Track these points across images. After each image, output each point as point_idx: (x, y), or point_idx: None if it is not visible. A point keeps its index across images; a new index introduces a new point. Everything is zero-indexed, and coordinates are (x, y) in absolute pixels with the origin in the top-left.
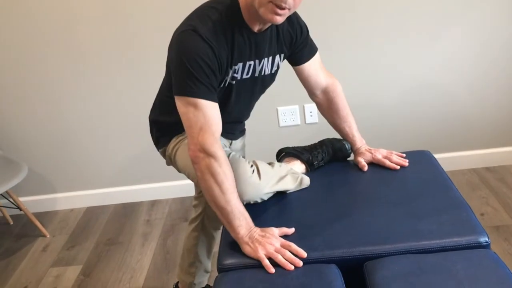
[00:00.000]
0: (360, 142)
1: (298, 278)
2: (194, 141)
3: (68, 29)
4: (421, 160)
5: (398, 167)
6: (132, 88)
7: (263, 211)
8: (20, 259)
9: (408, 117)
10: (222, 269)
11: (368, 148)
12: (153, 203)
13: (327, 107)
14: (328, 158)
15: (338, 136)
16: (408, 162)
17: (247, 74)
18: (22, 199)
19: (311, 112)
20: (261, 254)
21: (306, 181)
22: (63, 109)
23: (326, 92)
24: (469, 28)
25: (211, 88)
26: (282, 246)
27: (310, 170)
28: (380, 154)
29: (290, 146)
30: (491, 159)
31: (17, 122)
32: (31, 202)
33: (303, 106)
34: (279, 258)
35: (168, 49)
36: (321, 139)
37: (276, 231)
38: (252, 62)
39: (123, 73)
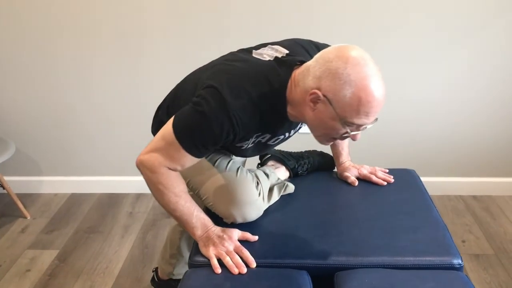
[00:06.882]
0: (346, 157)
1: (267, 281)
2: (154, 157)
3: (80, 12)
4: (405, 178)
5: (385, 183)
6: (133, 82)
7: None
8: None
9: (403, 137)
10: (192, 264)
11: (352, 164)
12: (138, 196)
13: None
14: (312, 169)
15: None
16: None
17: (274, 141)
18: (7, 178)
19: None
20: (211, 253)
21: (291, 188)
22: (58, 93)
23: None
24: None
25: (203, 150)
26: (235, 249)
27: (293, 178)
28: (366, 170)
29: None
30: (479, 188)
31: (9, 99)
32: (16, 182)
33: None
34: (226, 260)
35: (194, 80)
36: (308, 149)
37: (235, 234)
38: (282, 136)
39: (127, 66)
